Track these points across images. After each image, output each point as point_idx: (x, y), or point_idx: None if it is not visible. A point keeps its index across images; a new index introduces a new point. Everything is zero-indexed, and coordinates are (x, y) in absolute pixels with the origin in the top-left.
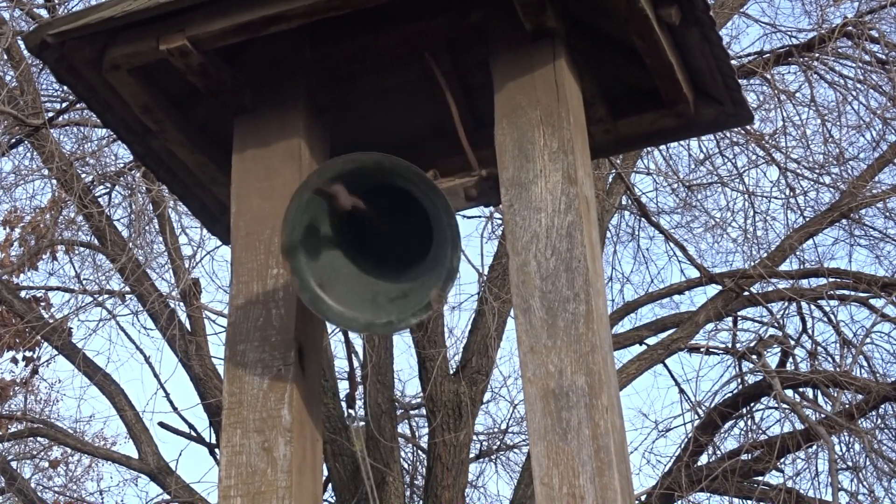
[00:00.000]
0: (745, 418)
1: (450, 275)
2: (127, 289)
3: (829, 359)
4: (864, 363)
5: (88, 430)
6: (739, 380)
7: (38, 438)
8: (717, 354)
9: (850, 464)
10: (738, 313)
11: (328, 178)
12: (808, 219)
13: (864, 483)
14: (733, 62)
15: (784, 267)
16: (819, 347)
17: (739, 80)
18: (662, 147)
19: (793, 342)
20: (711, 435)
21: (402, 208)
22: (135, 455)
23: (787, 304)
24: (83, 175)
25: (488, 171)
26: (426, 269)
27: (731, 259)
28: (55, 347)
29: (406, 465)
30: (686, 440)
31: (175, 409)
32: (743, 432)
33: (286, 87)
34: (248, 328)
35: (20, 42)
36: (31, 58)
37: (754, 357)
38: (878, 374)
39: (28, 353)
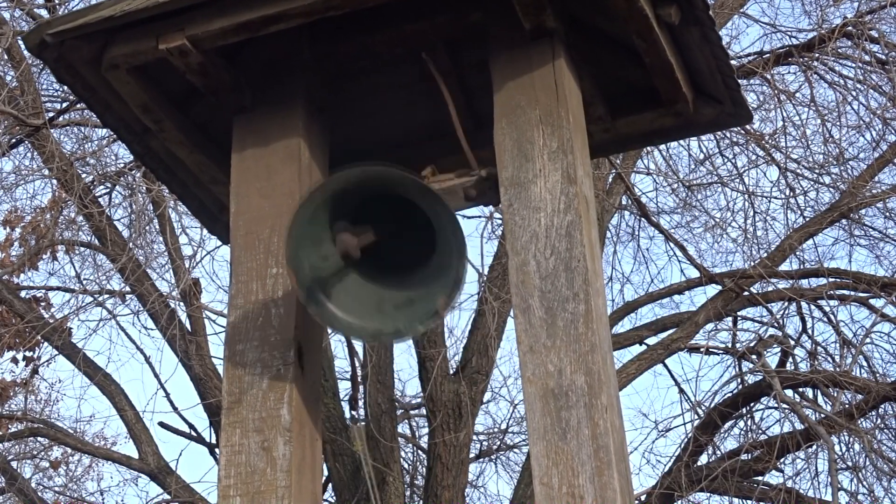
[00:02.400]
0: (744, 418)
1: (456, 284)
2: (127, 289)
3: (829, 359)
4: (864, 363)
5: (88, 430)
6: (739, 380)
7: (38, 438)
8: (717, 354)
9: (849, 464)
10: (738, 313)
11: (333, 192)
12: (808, 219)
13: (864, 483)
14: (733, 62)
15: (784, 267)
16: (819, 347)
17: (739, 80)
18: (662, 147)
19: (793, 342)
20: (711, 435)
21: (404, 215)
22: (135, 455)
23: (786, 304)
24: (83, 175)
25: (487, 171)
26: (431, 276)
27: (731, 259)
28: (55, 347)
29: (406, 465)
30: (686, 440)
31: (175, 409)
32: (743, 432)
33: (285, 87)
34: (248, 328)
35: (20, 42)
36: (32, 58)
37: (754, 357)
38: (877, 374)
39: (28, 353)
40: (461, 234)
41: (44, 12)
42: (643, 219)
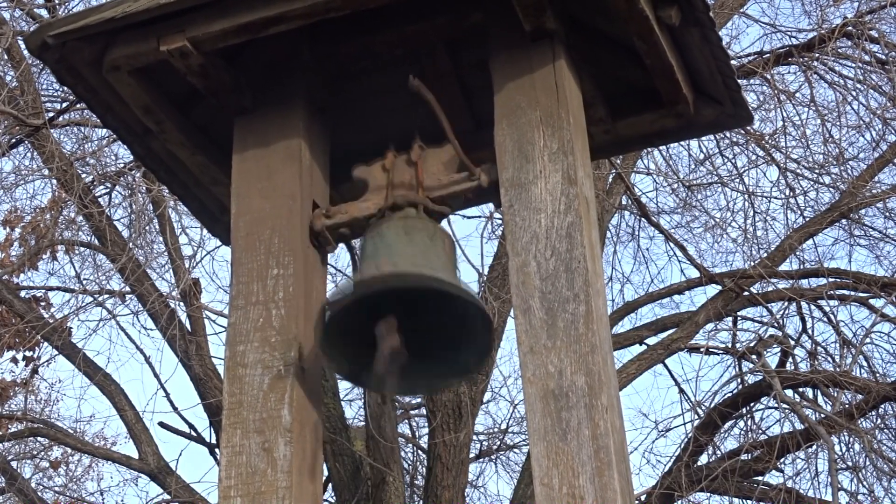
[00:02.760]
0: (745, 418)
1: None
2: (127, 289)
3: (829, 359)
4: (864, 363)
5: (88, 430)
6: (739, 380)
7: (38, 438)
8: (717, 354)
9: (849, 464)
10: (738, 313)
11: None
12: (808, 219)
13: (864, 483)
14: (733, 62)
15: (784, 267)
16: (819, 347)
17: (739, 81)
18: (662, 147)
19: (793, 342)
20: (711, 435)
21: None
22: (135, 455)
23: (786, 304)
24: (83, 175)
25: (488, 178)
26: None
27: (731, 259)
28: (55, 347)
29: (406, 465)
30: (686, 440)
31: (175, 409)
32: (743, 432)
33: (286, 88)
34: (248, 328)
35: (20, 42)
36: (32, 58)
37: (754, 357)
38: (878, 374)
39: (28, 353)
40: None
41: (44, 12)
42: (643, 219)
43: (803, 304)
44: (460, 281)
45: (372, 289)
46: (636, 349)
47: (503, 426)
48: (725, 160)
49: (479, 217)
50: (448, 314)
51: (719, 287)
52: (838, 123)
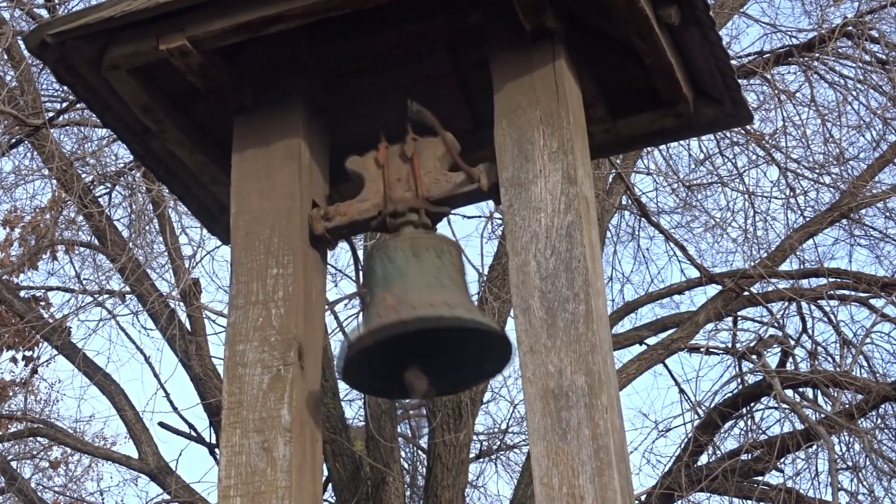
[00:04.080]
0: (745, 418)
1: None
2: (127, 289)
3: (829, 359)
4: (864, 363)
5: (88, 430)
6: (739, 380)
7: (38, 438)
8: (717, 354)
9: (850, 464)
10: (738, 313)
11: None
12: (808, 219)
13: (864, 483)
14: (733, 62)
15: (784, 267)
16: (819, 347)
17: (739, 80)
18: (662, 147)
19: (793, 342)
20: (711, 435)
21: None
22: (135, 455)
23: (787, 304)
24: (83, 175)
25: (488, 182)
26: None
27: (731, 259)
28: (55, 347)
29: (406, 465)
30: (686, 440)
31: (175, 409)
32: (743, 432)
33: (286, 87)
34: (248, 328)
35: (20, 42)
36: (31, 58)
37: (754, 357)
38: (878, 374)
39: (28, 353)
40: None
41: (44, 12)
42: (643, 219)
43: (803, 304)
44: (477, 310)
45: (392, 333)
46: (636, 349)
47: (503, 426)
48: (725, 160)
49: (479, 217)
50: (467, 339)
51: (719, 287)
52: (838, 123)
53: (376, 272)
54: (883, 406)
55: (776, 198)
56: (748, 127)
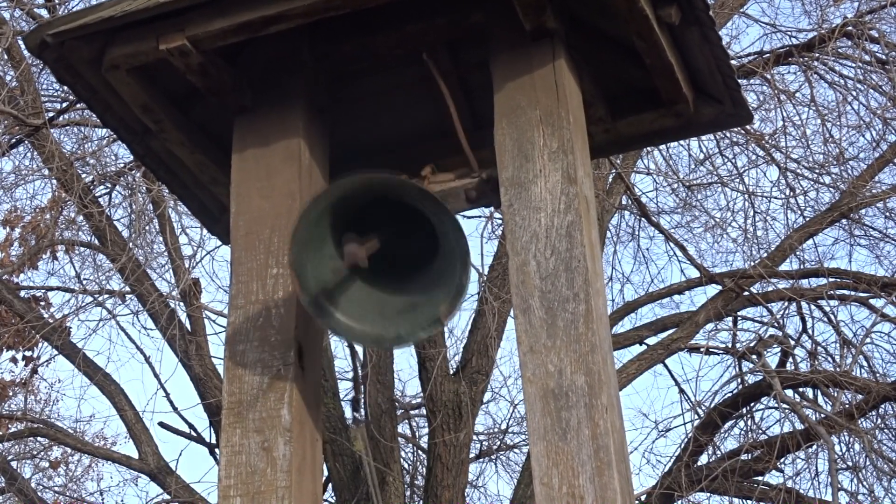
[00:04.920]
0: (745, 418)
1: (459, 291)
2: (127, 289)
3: (829, 359)
4: (864, 363)
5: (88, 430)
6: (739, 380)
7: (38, 438)
8: (717, 354)
9: (850, 464)
10: (738, 313)
11: (336, 198)
12: (808, 219)
13: (864, 483)
14: (733, 62)
15: (784, 267)
16: (819, 347)
17: (739, 80)
18: (662, 147)
19: (793, 342)
20: (711, 435)
21: (407, 219)
22: (135, 455)
23: (787, 304)
24: (83, 175)
25: (488, 172)
26: (433, 282)
27: (731, 259)
28: (55, 347)
29: (406, 465)
30: (686, 440)
31: (175, 409)
32: (743, 432)
33: (286, 87)
34: (248, 328)
35: (20, 42)
36: (32, 58)
37: (754, 357)
38: (878, 374)
39: (28, 353)
40: (464, 240)
41: (44, 12)
42: (643, 219)
43: (803, 304)
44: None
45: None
46: (636, 349)
47: (503, 426)
48: (725, 160)
49: (479, 217)
50: (426, 241)
51: (719, 287)
52: (838, 123)
53: None
54: (883, 406)
55: (776, 198)
56: (748, 127)
